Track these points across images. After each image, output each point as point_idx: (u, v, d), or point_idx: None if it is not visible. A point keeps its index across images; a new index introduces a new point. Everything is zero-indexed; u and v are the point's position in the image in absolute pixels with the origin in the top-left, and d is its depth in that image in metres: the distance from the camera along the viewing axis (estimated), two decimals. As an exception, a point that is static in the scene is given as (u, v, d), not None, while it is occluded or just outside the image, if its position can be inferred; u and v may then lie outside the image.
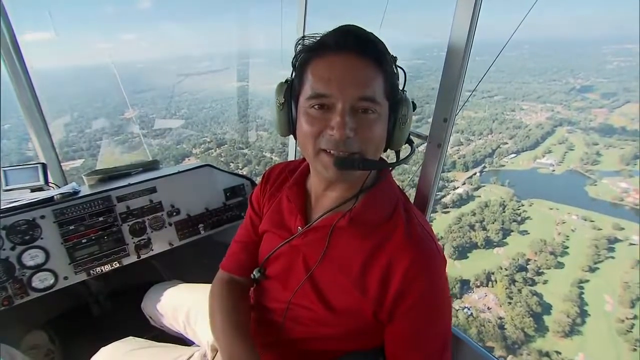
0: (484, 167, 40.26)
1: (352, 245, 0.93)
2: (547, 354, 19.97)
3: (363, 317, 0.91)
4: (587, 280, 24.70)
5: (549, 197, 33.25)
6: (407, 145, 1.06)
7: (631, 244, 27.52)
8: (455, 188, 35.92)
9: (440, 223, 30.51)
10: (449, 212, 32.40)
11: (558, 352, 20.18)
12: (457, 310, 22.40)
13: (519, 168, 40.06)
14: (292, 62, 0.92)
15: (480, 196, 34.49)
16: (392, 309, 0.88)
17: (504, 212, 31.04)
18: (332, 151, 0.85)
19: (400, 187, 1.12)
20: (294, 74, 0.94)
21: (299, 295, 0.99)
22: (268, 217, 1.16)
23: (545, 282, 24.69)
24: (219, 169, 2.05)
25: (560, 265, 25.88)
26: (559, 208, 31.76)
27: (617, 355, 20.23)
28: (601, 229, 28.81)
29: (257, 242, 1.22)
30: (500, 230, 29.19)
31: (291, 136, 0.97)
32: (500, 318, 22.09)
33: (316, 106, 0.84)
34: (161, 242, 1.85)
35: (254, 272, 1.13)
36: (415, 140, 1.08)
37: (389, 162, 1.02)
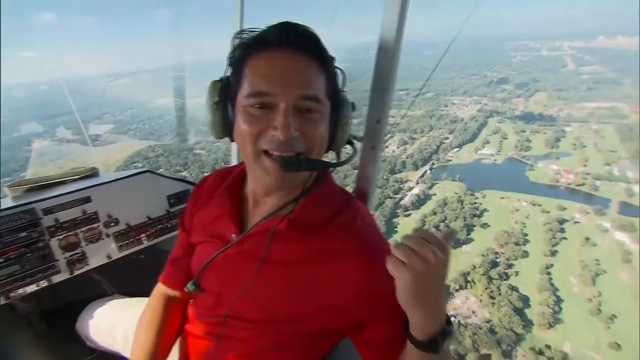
0: (433, 163, 41.09)
1: (294, 250, 0.86)
2: (540, 352, 19.84)
3: (309, 325, 0.85)
4: (552, 265, 25.71)
5: (498, 187, 34.80)
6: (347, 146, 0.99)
7: (576, 222, 29.67)
8: (410, 189, 35.78)
9: (405, 228, 29.64)
10: (410, 214, 31.93)
11: (548, 346, 20.25)
12: (446, 322, 21.38)
13: (464, 161, 41.63)
14: (228, 57, 0.84)
15: (435, 194, 34.80)
16: (356, 315, 0.82)
17: (463, 207, 31.38)
18: (275, 153, 0.78)
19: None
20: (230, 71, 0.86)
21: (237, 308, 0.91)
22: (200, 227, 1.06)
23: (517, 273, 25.12)
24: (160, 174, 1.91)
25: (525, 254, 26.64)
26: (509, 196, 33.21)
27: (596, 338, 20.90)
28: (549, 212, 30.67)
29: (191, 257, 1.11)
30: (464, 227, 29.29)
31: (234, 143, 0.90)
32: (488, 321, 21.63)
33: (256, 105, 0.77)
34: (98, 255, 1.73)
35: (188, 285, 1.03)
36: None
37: (331, 162, 0.93)
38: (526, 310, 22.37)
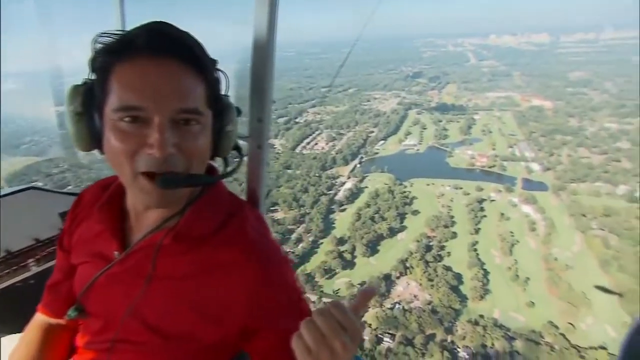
0: (361, 157, 42.26)
1: (182, 263, 0.83)
2: (475, 322, 21.36)
3: (202, 339, 0.82)
4: (477, 242, 27.97)
5: (423, 174, 36.91)
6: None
7: (492, 200, 32.84)
8: (343, 184, 36.22)
9: (342, 223, 30.10)
10: (345, 209, 32.28)
11: (481, 316, 21.89)
12: (392, 310, 22.00)
13: (390, 153, 43.51)
14: (90, 63, 0.75)
15: (367, 187, 35.69)
16: (247, 324, 0.82)
17: (394, 197, 32.62)
18: (152, 172, 0.73)
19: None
20: (93, 76, 0.77)
21: (124, 331, 0.85)
22: (79, 246, 0.99)
23: (449, 254, 26.78)
24: (50, 190, 1.79)
25: (454, 235, 28.59)
26: (434, 183, 35.49)
27: (516, 301, 23.26)
28: (470, 194, 33.44)
29: (72, 281, 1.04)
30: (397, 216, 30.46)
31: None
32: (429, 302, 22.69)
33: (127, 119, 0.71)
34: None
35: (69, 312, 0.94)
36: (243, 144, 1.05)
37: (216, 167, 0.95)
38: (461, 287, 23.98)
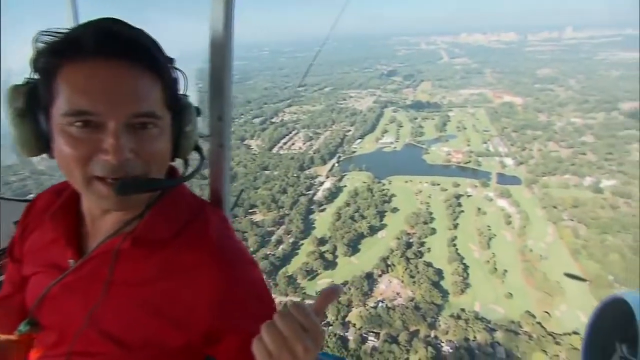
0: (339, 156, 42.08)
1: (142, 268, 0.81)
2: (457, 316, 21.60)
3: (167, 345, 0.80)
4: (456, 237, 28.33)
5: (401, 172, 37.19)
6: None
7: (469, 196, 33.43)
8: (321, 183, 36.03)
9: (323, 224, 29.79)
10: (325, 209, 31.99)
11: (463, 310, 22.15)
12: (375, 308, 21.91)
13: (368, 151, 43.62)
14: (32, 63, 0.70)
15: (346, 185, 35.62)
16: (212, 327, 0.79)
17: (373, 195, 32.61)
18: (108, 178, 0.69)
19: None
20: (37, 76, 0.71)
21: (82, 343, 0.81)
22: (31, 255, 0.93)
23: (429, 250, 26.99)
24: (3, 198, 1.77)
25: (433, 231, 28.84)
26: (412, 180, 35.77)
27: (495, 293, 23.73)
28: (447, 189, 33.91)
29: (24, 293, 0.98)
30: (376, 214, 30.45)
31: None
32: (412, 299, 22.75)
33: (78, 124, 0.66)
34: None
35: (20, 327, 0.88)
36: (204, 144, 1.01)
37: (177, 169, 0.91)
38: (442, 282, 24.18)
